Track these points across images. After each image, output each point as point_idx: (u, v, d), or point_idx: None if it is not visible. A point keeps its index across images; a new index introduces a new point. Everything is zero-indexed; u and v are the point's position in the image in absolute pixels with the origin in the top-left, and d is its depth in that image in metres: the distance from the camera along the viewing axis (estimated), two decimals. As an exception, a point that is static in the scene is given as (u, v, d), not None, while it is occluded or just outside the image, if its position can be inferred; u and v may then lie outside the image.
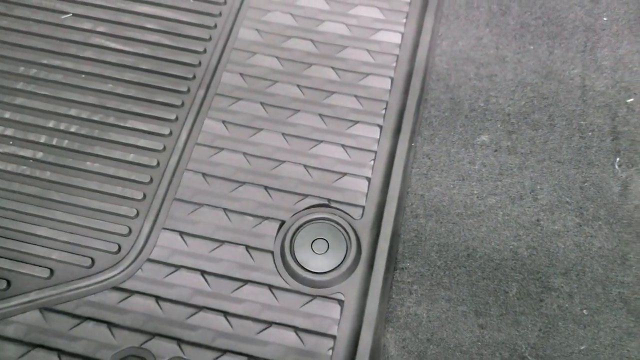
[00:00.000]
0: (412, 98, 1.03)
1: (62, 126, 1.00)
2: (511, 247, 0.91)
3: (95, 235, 0.92)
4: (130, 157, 0.98)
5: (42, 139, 0.99)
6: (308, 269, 0.88)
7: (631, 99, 1.02)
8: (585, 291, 0.87)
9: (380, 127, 1.01)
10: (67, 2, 1.12)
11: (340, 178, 0.96)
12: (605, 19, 1.11)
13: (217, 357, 0.83)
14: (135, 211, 0.93)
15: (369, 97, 1.03)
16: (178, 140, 0.99)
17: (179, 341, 0.84)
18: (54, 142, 0.99)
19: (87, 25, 1.10)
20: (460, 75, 1.06)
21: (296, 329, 0.85)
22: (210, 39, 1.09)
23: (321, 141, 0.99)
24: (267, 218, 0.93)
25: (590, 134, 1.00)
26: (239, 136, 1.00)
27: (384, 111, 1.02)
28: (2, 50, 1.07)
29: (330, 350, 0.83)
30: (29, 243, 0.91)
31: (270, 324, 0.85)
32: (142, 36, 1.09)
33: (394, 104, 1.03)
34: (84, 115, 1.01)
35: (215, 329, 0.85)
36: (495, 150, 0.99)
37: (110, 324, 0.85)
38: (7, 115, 1.01)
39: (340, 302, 0.87)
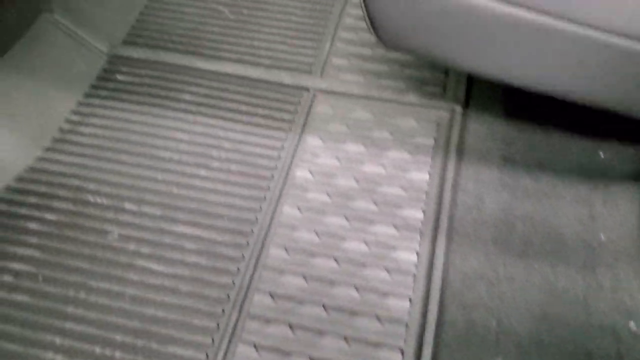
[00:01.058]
0: (431, 319, 1.12)
1: (108, 351, 1.08)
2: None
3: None
4: (170, 386, 1.05)
5: (89, 366, 1.07)
6: None
7: (632, 323, 1.10)
8: None
9: (402, 350, 1.08)
10: (114, 224, 1.24)
11: (365, 405, 1.03)
12: (602, 237, 1.22)
13: None
14: None
15: (389, 319, 1.12)
16: (214, 366, 1.07)
17: None
18: (100, 369, 1.07)
19: (132, 246, 1.21)
20: (474, 295, 1.15)
21: None
22: (243, 257, 1.20)
23: (346, 365, 1.07)
24: None
25: (598, 359, 1.07)
26: (269, 360, 1.08)
27: (404, 333, 1.10)
28: (53, 273, 1.18)
29: None
30: None
31: None
32: (182, 257, 1.20)
33: (413, 325, 1.11)
34: (128, 340, 1.10)
35: None
36: (510, 376, 1.06)
37: None
38: (57, 341, 1.10)
39: None
